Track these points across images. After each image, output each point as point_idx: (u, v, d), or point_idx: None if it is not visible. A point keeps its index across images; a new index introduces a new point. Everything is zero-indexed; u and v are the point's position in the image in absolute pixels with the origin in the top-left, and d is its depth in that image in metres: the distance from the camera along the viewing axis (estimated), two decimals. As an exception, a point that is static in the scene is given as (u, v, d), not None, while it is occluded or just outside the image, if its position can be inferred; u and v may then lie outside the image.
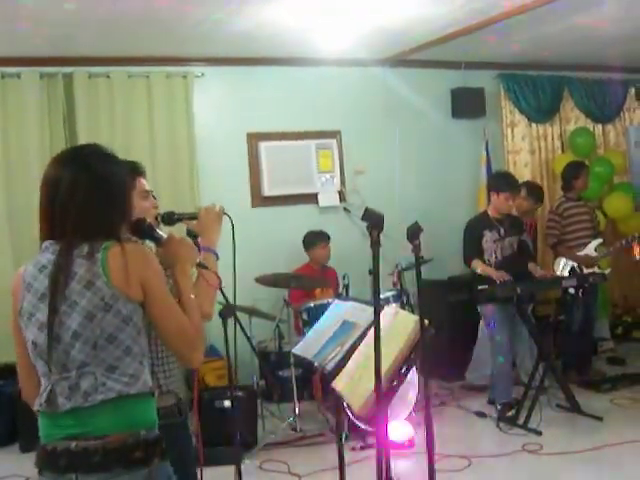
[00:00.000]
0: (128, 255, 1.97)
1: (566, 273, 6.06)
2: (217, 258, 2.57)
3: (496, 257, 5.55)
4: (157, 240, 2.34)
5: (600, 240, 6.28)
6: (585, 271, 6.04)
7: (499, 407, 5.37)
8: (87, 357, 1.94)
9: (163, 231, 2.39)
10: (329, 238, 6.30)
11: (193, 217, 2.57)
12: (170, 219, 2.65)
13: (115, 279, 1.95)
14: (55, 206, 2.01)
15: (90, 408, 1.92)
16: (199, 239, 2.54)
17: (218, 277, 2.45)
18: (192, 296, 2.16)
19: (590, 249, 6.18)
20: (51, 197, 2.02)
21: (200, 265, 2.39)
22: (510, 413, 5.24)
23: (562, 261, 6.18)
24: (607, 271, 6.05)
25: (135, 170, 2.71)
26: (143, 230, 2.30)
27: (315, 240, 6.26)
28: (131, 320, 1.97)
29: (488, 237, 5.55)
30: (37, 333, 1.99)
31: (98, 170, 2.05)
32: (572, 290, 5.45)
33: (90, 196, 2.01)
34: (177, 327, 2.04)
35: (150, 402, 2.04)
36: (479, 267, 5.50)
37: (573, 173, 6.34)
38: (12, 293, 2.08)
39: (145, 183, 2.70)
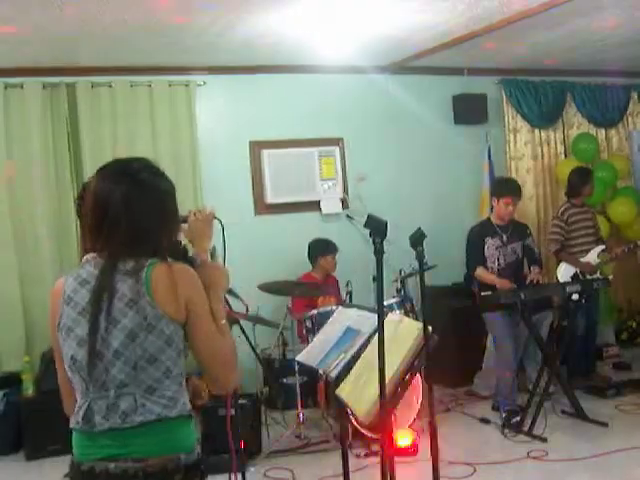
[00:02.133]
0: (176, 274, 1.94)
1: (568, 279, 6.05)
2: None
3: (499, 264, 5.55)
4: (191, 263, 2.24)
5: (602, 247, 6.27)
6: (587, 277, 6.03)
7: (504, 414, 5.36)
8: (127, 377, 1.91)
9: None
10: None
11: (183, 220, 2.53)
12: None
13: (159, 298, 1.91)
14: (105, 220, 1.97)
15: (129, 429, 1.90)
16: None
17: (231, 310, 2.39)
18: (224, 321, 2.10)
19: (593, 255, 6.17)
20: (100, 211, 1.98)
21: (231, 292, 2.32)
22: (515, 420, 5.23)
23: (564, 267, 6.18)
24: (610, 277, 6.04)
25: None
26: (178, 252, 2.22)
27: (327, 249, 6.20)
28: (173, 341, 1.94)
29: (490, 244, 5.55)
30: (76, 349, 1.95)
31: (151, 186, 2.04)
32: (576, 296, 5.43)
33: (143, 212, 1.98)
34: (217, 349, 2.01)
35: (189, 425, 2.02)
36: (483, 275, 5.50)
37: (581, 179, 6.34)
38: (51, 305, 2.04)
39: None
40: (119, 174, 2.04)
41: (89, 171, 5.41)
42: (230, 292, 2.31)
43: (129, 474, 1.87)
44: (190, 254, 2.25)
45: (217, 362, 2.02)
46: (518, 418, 5.20)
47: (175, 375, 1.97)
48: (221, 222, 2.37)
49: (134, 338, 1.90)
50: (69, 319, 1.96)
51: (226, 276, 2.22)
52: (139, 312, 1.90)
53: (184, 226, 2.35)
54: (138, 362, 1.90)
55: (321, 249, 6.23)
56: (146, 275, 1.92)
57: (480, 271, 5.52)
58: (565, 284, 5.76)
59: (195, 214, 2.35)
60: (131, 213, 1.97)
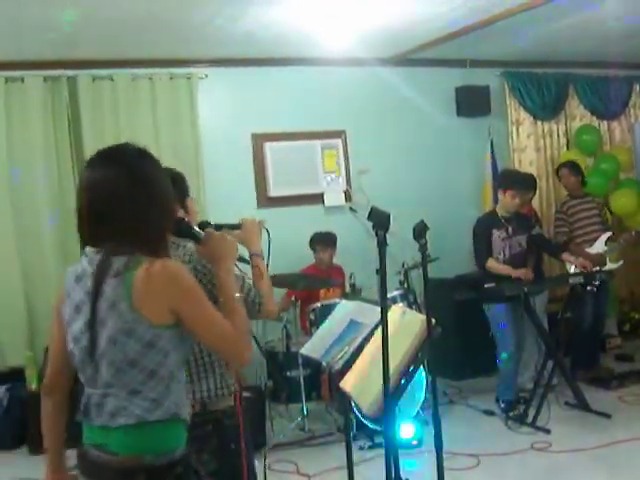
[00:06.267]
0: (154, 279, 1.85)
1: (573, 270, 6.03)
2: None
3: (504, 255, 5.54)
4: (196, 238, 2.28)
5: (609, 233, 6.25)
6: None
7: (502, 405, 5.39)
8: (112, 378, 1.90)
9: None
10: (334, 242, 6.26)
11: (235, 227, 2.58)
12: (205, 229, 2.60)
13: (138, 303, 1.85)
14: (92, 210, 1.90)
15: (114, 428, 1.90)
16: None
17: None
18: (237, 294, 2.11)
19: (600, 243, 6.16)
20: (88, 200, 1.92)
21: (242, 259, 2.41)
22: (516, 411, 5.24)
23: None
24: (620, 263, 6.05)
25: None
26: (181, 229, 2.25)
27: (316, 243, 6.20)
28: (154, 346, 1.88)
29: (496, 235, 5.54)
30: (73, 345, 1.96)
31: (138, 171, 1.94)
32: (589, 287, 5.43)
33: (130, 200, 1.89)
34: (218, 337, 1.97)
35: (170, 428, 1.94)
36: (496, 266, 5.48)
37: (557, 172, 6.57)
38: (60, 291, 2.04)
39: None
40: (103, 160, 1.98)
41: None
42: (241, 259, 2.37)
43: (105, 465, 1.90)
44: (196, 229, 2.29)
45: (222, 347, 2.03)
46: (522, 409, 5.20)
47: (162, 376, 1.91)
48: (268, 232, 2.61)
49: (115, 342, 1.87)
50: (68, 315, 1.97)
51: (233, 246, 2.24)
52: (120, 316, 1.86)
53: (235, 231, 2.54)
54: (120, 365, 1.88)
55: (313, 242, 6.23)
56: (127, 278, 1.86)
57: (492, 262, 5.50)
58: (569, 275, 5.76)
59: (252, 221, 2.59)
60: (117, 202, 1.89)
